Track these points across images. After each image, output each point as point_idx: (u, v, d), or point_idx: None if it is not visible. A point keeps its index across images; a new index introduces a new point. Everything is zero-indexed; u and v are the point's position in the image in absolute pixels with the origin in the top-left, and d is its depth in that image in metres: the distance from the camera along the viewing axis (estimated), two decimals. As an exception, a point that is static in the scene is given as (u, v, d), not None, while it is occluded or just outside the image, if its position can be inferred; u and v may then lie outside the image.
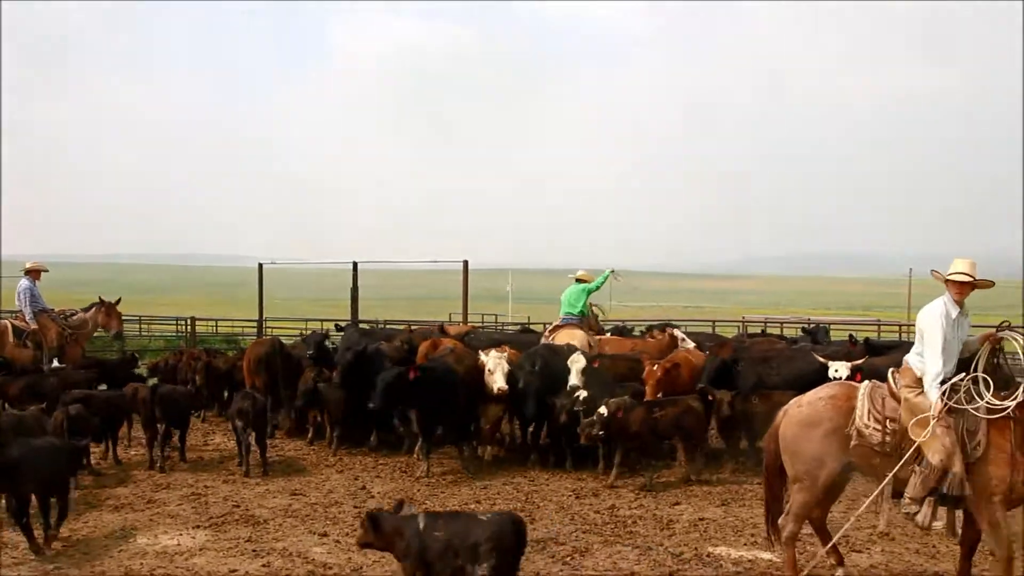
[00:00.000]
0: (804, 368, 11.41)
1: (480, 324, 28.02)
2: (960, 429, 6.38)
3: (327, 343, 14.65)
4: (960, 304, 6.68)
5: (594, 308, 14.96)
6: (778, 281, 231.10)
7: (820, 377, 10.41)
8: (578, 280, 14.65)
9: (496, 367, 11.33)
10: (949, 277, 6.65)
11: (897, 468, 6.53)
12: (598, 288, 14.76)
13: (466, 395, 11.42)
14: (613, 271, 15.44)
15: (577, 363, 11.38)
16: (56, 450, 8.36)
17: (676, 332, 15.35)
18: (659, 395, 11.25)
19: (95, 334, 17.12)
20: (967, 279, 6.62)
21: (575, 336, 13.82)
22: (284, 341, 15.62)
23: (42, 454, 8.04)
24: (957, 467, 6.28)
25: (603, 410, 10.26)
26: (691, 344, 14.43)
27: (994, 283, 6.85)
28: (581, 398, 10.85)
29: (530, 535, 8.35)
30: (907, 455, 6.49)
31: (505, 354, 11.52)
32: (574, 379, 11.22)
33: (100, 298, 16.22)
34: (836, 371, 10.75)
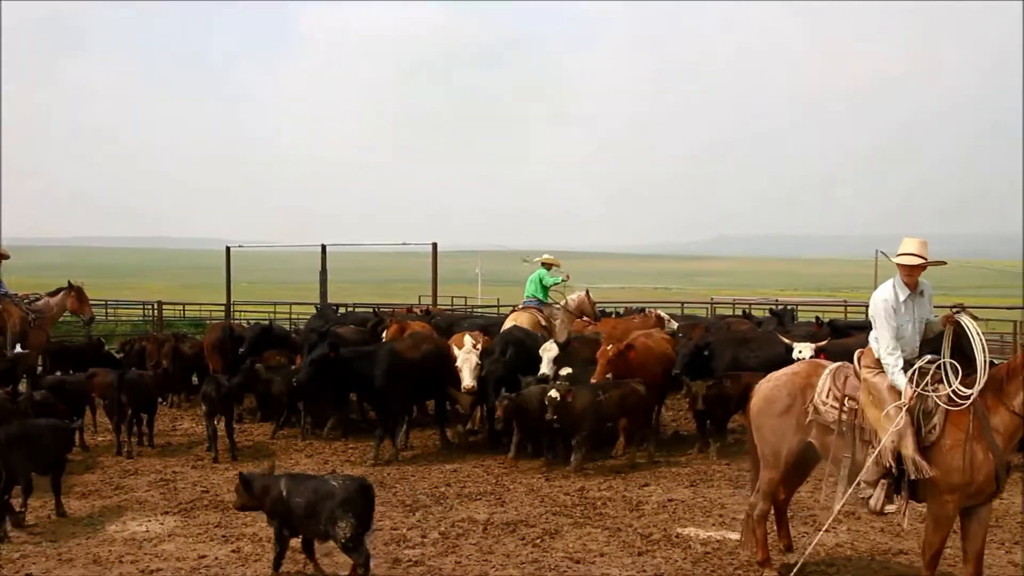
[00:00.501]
0: (771, 351, 11.50)
1: (449, 307, 27.96)
2: (916, 411, 6.21)
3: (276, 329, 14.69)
4: (912, 286, 6.51)
5: (559, 294, 14.85)
6: (747, 262, 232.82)
7: (786, 360, 10.55)
8: (544, 264, 14.69)
9: (464, 363, 11.23)
10: (896, 259, 6.50)
11: (851, 450, 6.48)
12: (553, 284, 14.73)
13: (412, 379, 11.26)
14: (567, 277, 15.17)
15: (549, 351, 11.36)
16: (54, 429, 8.55)
17: (660, 313, 15.55)
18: (609, 376, 10.95)
19: (61, 319, 16.85)
20: (915, 261, 6.42)
21: (520, 319, 13.93)
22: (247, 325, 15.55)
23: (42, 433, 8.31)
24: (909, 449, 6.13)
25: (554, 394, 10.07)
26: (675, 325, 14.74)
27: (946, 263, 6.68)
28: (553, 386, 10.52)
29: (501, 517, 8.47)
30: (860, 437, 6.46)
31: (474, 351, 11.35)
32: (545, 367, 11.21)
33: (69, 282, 15.95)
34: (800, 352, 10.81)
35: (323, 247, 22.86)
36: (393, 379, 11.02)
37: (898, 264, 6.49)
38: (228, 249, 24.87)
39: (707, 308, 27.61)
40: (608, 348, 11.17)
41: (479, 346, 11.52)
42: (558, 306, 14.54)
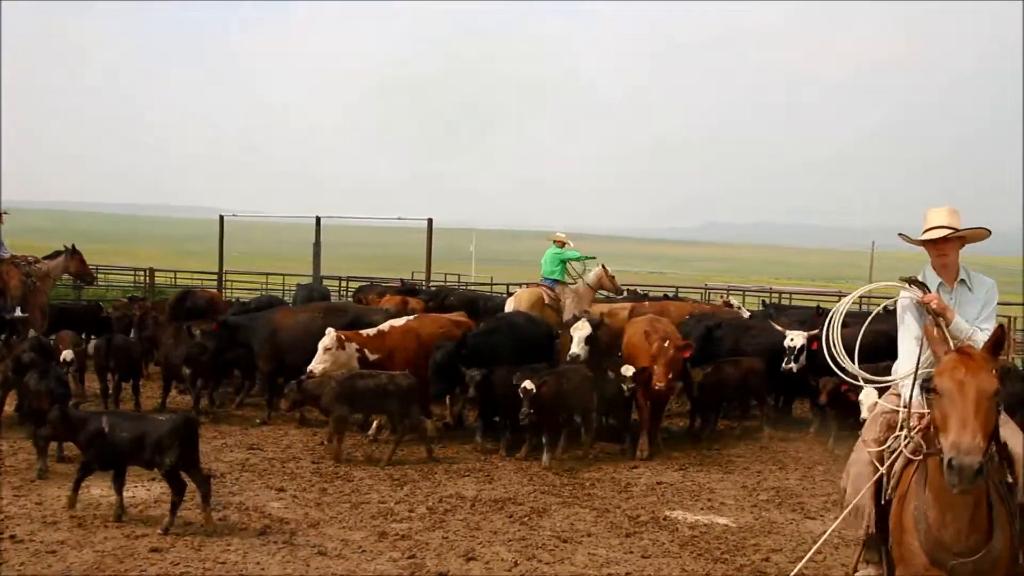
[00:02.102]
0: (770, 338, 11.45)
1: (443, 284, 27.90)
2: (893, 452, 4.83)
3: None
4: (947, 271, 5.13)
5: (575, 273, 14.74)
6: (740, 249, 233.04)
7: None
8: (555, 242, 14.64)
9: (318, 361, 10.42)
10: (918, 238, 5.18)
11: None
12: (575, 259, 14.73)
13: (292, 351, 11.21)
14: (593, 258, 15.21)
15: (581, 331, 10.80)
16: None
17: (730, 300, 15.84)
18: (671, 377, 9.96)
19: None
20: (943, 233, 5.05)
21: (523, 297, 13.97)
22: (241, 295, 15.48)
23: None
24: (865, 503, 4.95)
25: (529, 385, 9.42)
26: (746, 313, 15.07)
27: (989, 232, 5.17)
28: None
29: (489, 495, 8.45)
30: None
31: (331, 351, 10.40)
32: (576, 347, 10.66)
33: (69, 246, 15.87)
34: (792, 340, 10.77)
35: (317, 219, 22.73)
36: (263, 354, 11.37)
37: (926, 243, 5.15)
38: (222, 218, 24.73)
39: (701, 293, 27.59)
40: (667, 345, 9.89)
41: (333, 349, 10.39)
42: (574, 284, 14.47)
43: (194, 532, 7.12)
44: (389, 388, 9.58)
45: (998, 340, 4.30)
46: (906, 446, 4.66)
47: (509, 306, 13.70)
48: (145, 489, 8.23)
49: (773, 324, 11.69)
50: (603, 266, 14.73)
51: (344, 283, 27.44)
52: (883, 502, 4.83)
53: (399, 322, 11.27)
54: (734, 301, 16.27)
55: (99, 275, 31.91)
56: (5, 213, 15.33)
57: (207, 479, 7.28)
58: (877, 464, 4.92)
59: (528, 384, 9.38)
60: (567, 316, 13.27)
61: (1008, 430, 4.58)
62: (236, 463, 9.28)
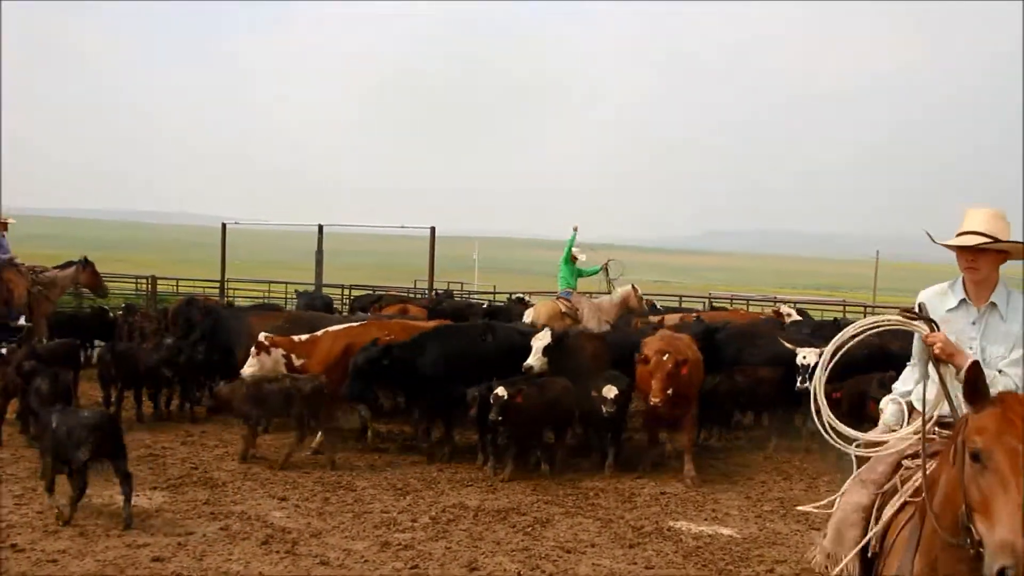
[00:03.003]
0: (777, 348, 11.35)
1: (444, 292, 27.84)
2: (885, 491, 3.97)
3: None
4: (980, 286, 4.10)
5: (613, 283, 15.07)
6: (742, 258, 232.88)
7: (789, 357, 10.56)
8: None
9: None
10: (946, 242, 4.15)
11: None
12: (590, 274, 15.26)
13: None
14: (609, 261, 15.62)
15: (540, 339, 10.37)
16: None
17: (785, 309, 15.83)
18: (669, 393, 9.22)
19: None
20: (975, 241, 4.00)
21: (541, 310, 14.07)
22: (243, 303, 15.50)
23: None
24: (846, 554, 3.97)
25: (501, 392, 9.10)
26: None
27: None
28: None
29: (492, 504, 8.42)
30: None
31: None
32: (532, 358, 10.21)
33: (84, 257, 15.88)
34: (804, 358, 10.39)
35: (320, 227, 22.72)
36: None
37: (957, 251, 4.12)
38: (224, 226, 24.71)
39: (704, 303, 27.54)
40: (665, 359, 9.27)
41: (260, 353, 10.40)
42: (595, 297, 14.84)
43: (196, 542, 7.08)
44: (292, 392, 9.61)
45: None
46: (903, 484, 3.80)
47: (527, 318, 13.80)
48: (147, 498, 8.20)
49: (782, 341, 11.38)
50: (633, 286, 15.00)
51: (347, 291, 27.41)
52: (869, 555, 3.89)
53: (336, 328, 11.20)
54: (785, 309, 16.19)
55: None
56: (11, 220, 15.34)
57: (128, 477, 7.44)
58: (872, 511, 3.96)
59: (500, 391, 9.07)
60: (588, 325, 13.47)
61: None
62: (238, 472, 9.25)
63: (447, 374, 10.11)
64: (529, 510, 8.34)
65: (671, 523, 8.14)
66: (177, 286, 31.99)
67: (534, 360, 10.18)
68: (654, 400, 9.22)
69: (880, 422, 4.43)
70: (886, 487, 3.90)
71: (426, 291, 23.14)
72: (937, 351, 3.92)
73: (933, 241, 4.29)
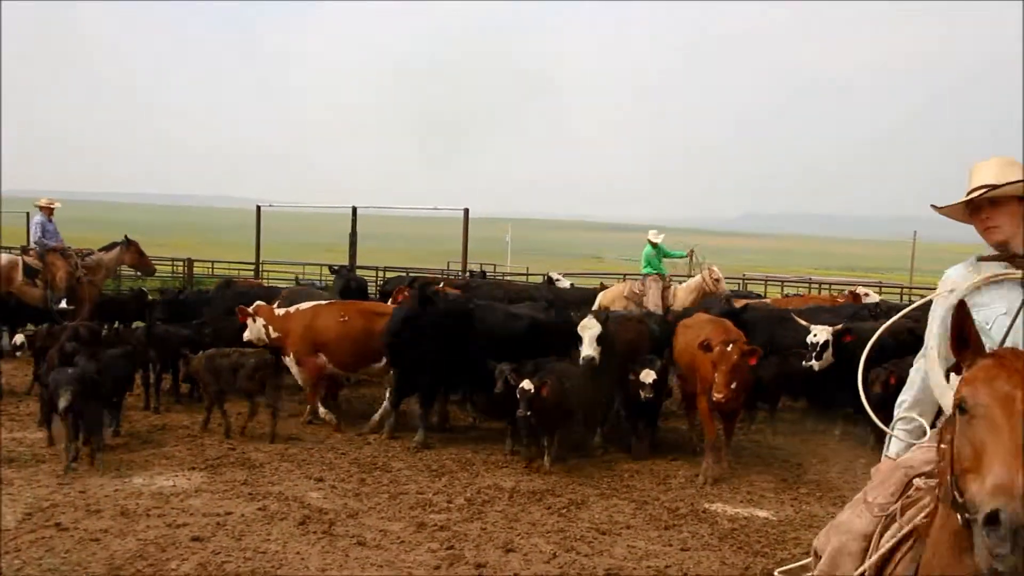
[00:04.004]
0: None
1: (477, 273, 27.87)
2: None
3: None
4: (1008, 247, 3.38)
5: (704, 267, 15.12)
6: (779, 240, 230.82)
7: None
8: (650, 242, 15.24)
9: None
10: (953, 202, 3.55)
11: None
12: (677, 256, 15.73)
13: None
14: (693, 250, 15.94)
15: (590, 329, 9.61)
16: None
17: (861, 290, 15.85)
18: (733, 387, 8.57)
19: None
20: (982, 192, 3.39)
21: (608, 294, 14.93)
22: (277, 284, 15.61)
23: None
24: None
25: (527, 385, 8.74)
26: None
27: None
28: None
29: (527, 486, 8.43)
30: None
31: None
32: (586, 348, 9.56)
33: (126, 236, 16.07)
34: (815, 336, 9.98)
35: (354, 209, 22.74)
36: None
37: (973, 214, 3.49)
38: (259, 208, 24.86)
39: (739, 284, 27.33)
40: (730, 349, 8.57)
41: (249, 320, 10.97)
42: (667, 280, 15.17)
43: (235, 522, 7.17)
44: (239, 366, 9.91)
45: None
46: (911, 504, 3.12)
47: (597, 303, 14.32)
48: (186, 479, 8.31)
49: (796, 318, 11.05)
50: (711, 268, 15.04)
51: (381, 273, 27.53)
52: None
53: (305, 305, 11.37)
54: (862, 290, 16.04)
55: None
56: (56, 204, 15.54)
57: (96, 429, 8.56)
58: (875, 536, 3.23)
59: (527, 384, 8.73)
60: (650, 307, 13.89)
61: None
62: (275, 453, 9.34)
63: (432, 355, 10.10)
64: (564, 492, 8.35)
65: (706, 505, 8.11)
66: (212, 268, 32.33)
67: (591, 351, 9.48)
68: (718, 396, 8.44)
69: (885, 455, 3.70)
70: (891, 510, 3.20)
71: (459, 272, 23.15)
72: None
73: (935, 209, 3.61)
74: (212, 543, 6.71)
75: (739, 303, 13.65)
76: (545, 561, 6.63)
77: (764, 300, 16.30)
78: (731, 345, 8.59)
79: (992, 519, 2.17)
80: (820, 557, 3.45)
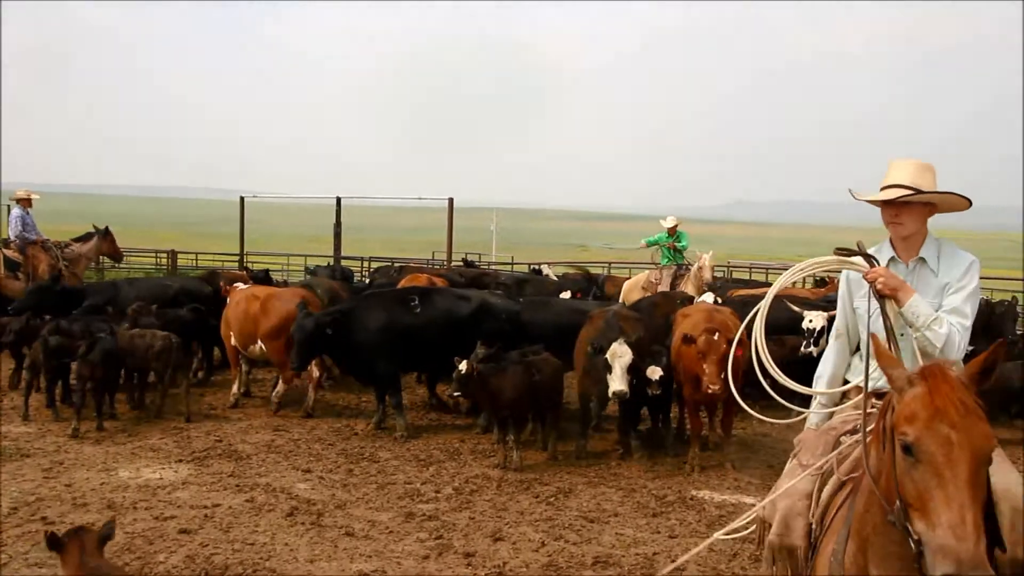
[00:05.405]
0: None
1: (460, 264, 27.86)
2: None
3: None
4: (908, 242, 3.92)
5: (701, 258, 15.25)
6: (769, 228, 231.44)
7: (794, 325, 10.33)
8: (668, 231, 15.65)
9: None
10: (867, 197, 3.95)
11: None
12: (683, 248, 15.78)
13: None
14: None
15: (621, 358, 8.59)
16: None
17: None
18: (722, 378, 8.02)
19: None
20: (897, 195, 3.79)
21: (628, 285, 15.46)
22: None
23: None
24: (796, 538, 3.61)
25: (462, 367, 8.62)
26: None
27: (969, 201, 3.84)
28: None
29: (515, 475, 8.44)
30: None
31: None
32: (618, 382, 8.54)
33: (99, 227, 16.00)
34: (811, 322, 10.11)
35: (338, 200, 22.69)
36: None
37: (879, 206, 3.92)
38: (242, 199, 24.76)
39: (724, 271, 27.42)
40: (717, 339, 8.27)
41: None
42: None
43: (222, 514, 7.15)
44: (148, 346, 10.14)
45: (994, 361, 2.76)
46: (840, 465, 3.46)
47: (622, 296, 14.78)
48: (172, 471, 8.28)
49: (790, 304, 11.05)
50: (701, 257, 15.20)
51: (366, 263, 27.49)
52: (812, 540, 3.54)
53: (241, 285, 11.81)
54: None
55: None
56: (35, 196, 15.44)
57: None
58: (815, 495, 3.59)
59: (462, 366, 8.61)
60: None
61: (996, 459, 3.00)
62: (262, 444, 9.31)
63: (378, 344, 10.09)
64: (552, 480, 8.37)
65: (694, 492, 8.14)
66: (196, 260, 32.20)
67: (622, 384, 8.49)
68: (714, 388, 8.13)
69: (807, 426, 4.23)
70: (825, 468, 3.56)
71: (443, 262, 23.15)
72: (880, 286, 3.69)
73: (855, 197, 4.00)
74: (200, 535, 6.70)
75: (739, 292, 13.72)
76: (534, 549, 6.64)
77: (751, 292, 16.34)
78: (717, 335, 8.31)
79: None
80: (769, 525, 3.73)
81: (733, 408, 8.97)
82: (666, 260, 15.55)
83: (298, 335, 9.89)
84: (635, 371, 8.65)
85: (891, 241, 3.97)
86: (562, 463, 8.95)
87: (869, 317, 3.74)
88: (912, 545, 2.62)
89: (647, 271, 16.06)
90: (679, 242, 15.48)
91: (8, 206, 15.67)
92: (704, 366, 8.30)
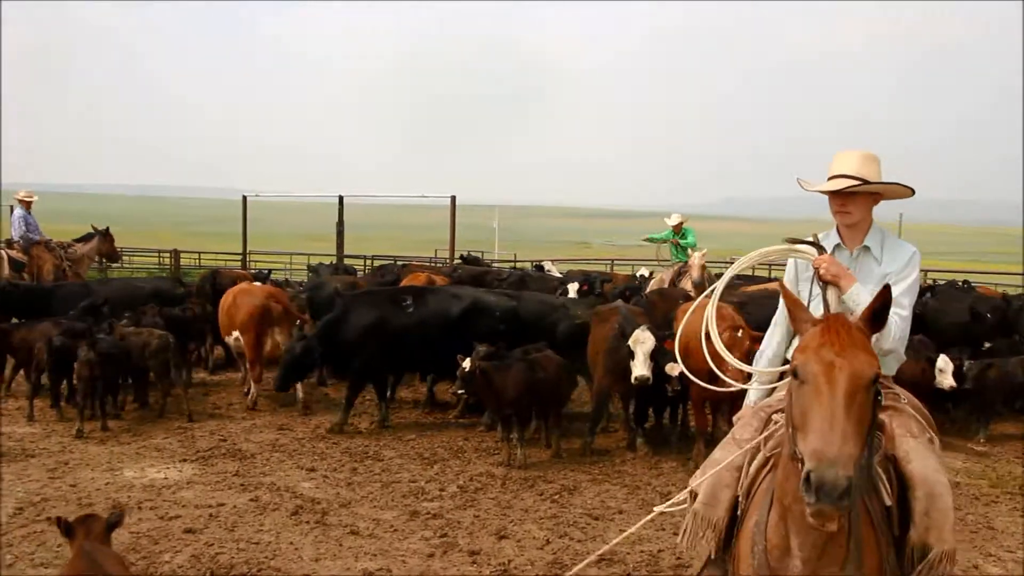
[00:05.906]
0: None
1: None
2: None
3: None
4: (853, 231, 4.06)
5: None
6: (762, 224, 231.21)
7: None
8: (673, 228, 15.64)
9: None
10: (815, 188, 4.08)
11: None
12: (689, 245, 15.70)
13: None
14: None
15: (643, 344, 8.70)
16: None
17: None
18: None
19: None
20: (842, 184, 3.92)
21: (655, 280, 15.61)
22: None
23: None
24: (720, 509, 3.72)
25: (465, 364, 8.65)
26: None
27: (912, 190, 3.99)
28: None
29: (519, 473, 8.45)
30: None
31: None
32: (640, 368, 8.67)
33: (98, 227, 16.04)
34: None
35: (340, 198, 22.66)
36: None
37: (827, 195, 4.04)
38: (245, 198, 24.74)
39: (723, 269, 27.44)
40: (740, 335, 8.05)
41: None
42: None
43: (227, 513, 7.16)
44: (144, 345, 10.17)
45: (882, 304, 3.12)
46: (765, 442, 3.64)
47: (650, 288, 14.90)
48: (177, 471, 8.29)
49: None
50: (694, 254, 15.13)
51: (369, 262, 27.50)
52: (738, 513, 3.67)
53: (236, 288, 12.06)
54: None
55: (124, 257, 32.20)
56: (34, 197, 15.45)
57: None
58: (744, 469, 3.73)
59: (466, 364, 8.64)
60: (688, 285, 14.36)
61: (910, 441, 3.56)
62: (266, 443, 9.32)
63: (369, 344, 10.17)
64: (556, 478, 8.37)
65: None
66: (199, 259, 32.22)
67: (644, 369, 8.62)
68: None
69: (746, 404, 4.32)
70: (755, 443, 3.72)
71: (446, 260, 23.15)
72: (823, 272, 3.85)
73: (803, 188, 4.16)
74: (205, 535, 6.71)
75: (748, 288, 13.70)
76: (538, 547, 6.65)
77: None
78: (740, 331, 8.12)
79: (808, 478, 2.73)
80: (695, 496, 3.84)
81: (739, 405, 8.86)
82: (675, 258, 15.57)
83: (286, 357, 10.19)
84: (656, 362, 8.70)
85: (838, 229, 4.10)
86: (566, 460, 8.95)
87: (810, 302, 3.91)
88: (801, 469, 2.81)
89: (665, 270, 15.97)
90: (684, 239, 15.42)
91: (10, 207, 15.71)
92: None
